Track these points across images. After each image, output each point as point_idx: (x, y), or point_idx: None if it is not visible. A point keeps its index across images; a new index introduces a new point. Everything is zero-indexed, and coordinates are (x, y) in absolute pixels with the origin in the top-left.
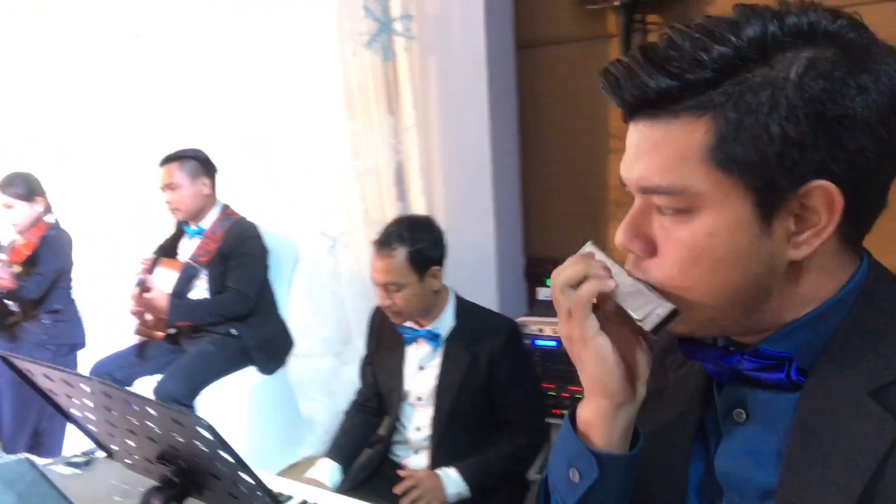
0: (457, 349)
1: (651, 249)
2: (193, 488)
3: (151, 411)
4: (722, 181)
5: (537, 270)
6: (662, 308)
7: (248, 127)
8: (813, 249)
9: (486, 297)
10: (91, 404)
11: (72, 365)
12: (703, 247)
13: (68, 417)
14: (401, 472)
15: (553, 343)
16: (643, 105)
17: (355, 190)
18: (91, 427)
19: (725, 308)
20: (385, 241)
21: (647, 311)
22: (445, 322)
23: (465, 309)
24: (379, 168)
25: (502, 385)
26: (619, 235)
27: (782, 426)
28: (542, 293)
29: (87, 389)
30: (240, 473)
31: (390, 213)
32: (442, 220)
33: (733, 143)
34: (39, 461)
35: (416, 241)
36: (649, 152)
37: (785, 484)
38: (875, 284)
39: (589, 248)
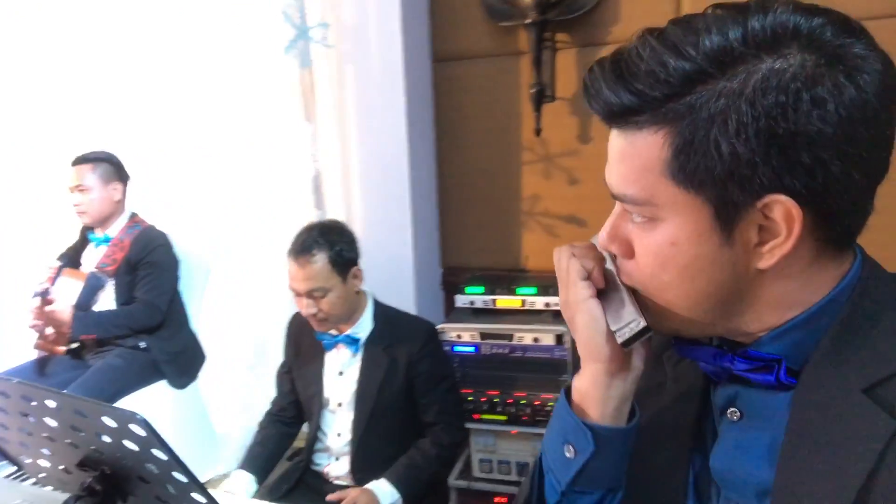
0: (376, 352)
1: (629, 251)
2: (117, 495)
3: (81, 410)
4: (680, 194)
5: (454, 279)
6: (636, 323)
7: (160, 132)
8: (776, 260)
9: (405, 305)
10: (4, 411)
11: None
12: (667, 255)
13: None
14: (331, 497)
15: (471, 349)
16: (611, 116)
17: (270, 198)
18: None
19: (699, 311)
20: (303, 248)
21: (623, 323)
22: (364, 326)
23: (383, 312)
24: (295, 177)
25: (422, 386)
26: (602, 236)
27: (776, 424)
28: (461, 300)
29: (6, 393)
30: (173, 473)
31: (307, 222)
32: (360, 230)
33: (687, 158)
34: None
35: (334, 244)
36: (618, 161)
37: (781, 482)
38: (867, 283)
39: (595, 241)
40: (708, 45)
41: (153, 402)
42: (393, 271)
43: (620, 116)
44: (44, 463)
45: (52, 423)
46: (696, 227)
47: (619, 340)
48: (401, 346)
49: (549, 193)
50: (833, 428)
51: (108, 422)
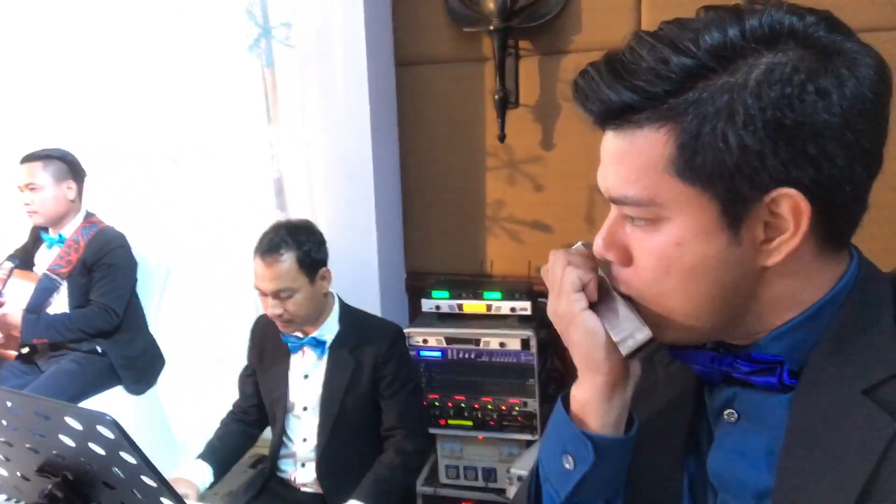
0: (342, 355)
1: (627, 258)
2: (80, 502)
3: (43, 411)
4: (686, 191)
5: (418, 284)
6: (641, 333)
7: (119, 129)
8: (783, 257)
9: (370, 309)
10: None
11: None
12: (672, 256)
13: None
14: None
15: (437, 354)
16: (608, 116)
17: (232, 200)
18: None
19: (702, 316)
20: (270, 248)
21: (626, 334)
22: (330, 328)
23: (350, 314)
24: (257, 178)
25: (387, 389)
26: (597, 243)
27: (774, 426)
28: (427, 304)
29: None
30: (141, 477)
31: (269, 224)
32: (324, 234)
33: (693, 153)
34: None
35: (302, 244)
36: (616, 163)
37: (780, 485)
38: (864, 283)
39: (581, 247)
40: (708, 41)
41: (110, 409)
42: (357, 275)
43: (619, 116)
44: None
45: (8, 425)
46: (702, 224)
47: (625, 352)
48: (367, 349)
49: (513, 199)
50: (834, 429)
51: (73, 423)
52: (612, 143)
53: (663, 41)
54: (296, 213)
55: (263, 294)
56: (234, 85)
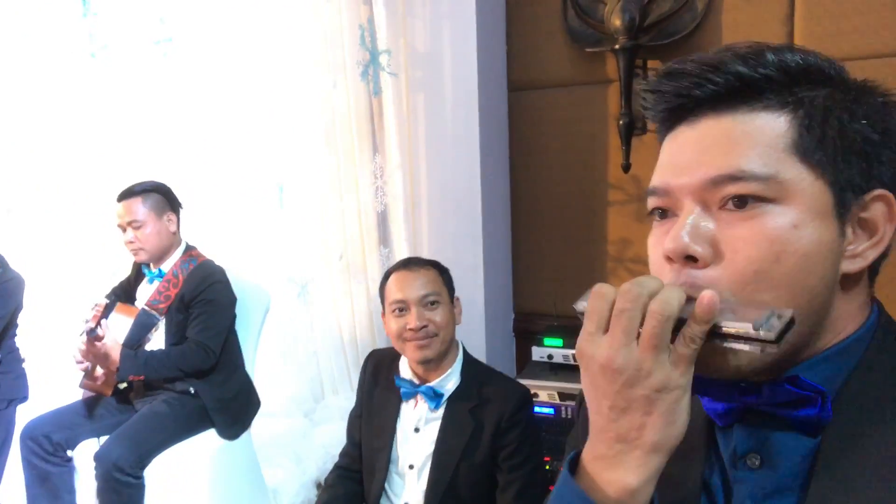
0: (460, 413)
1: (714, 254)
2: None
3: None
4: (805, 174)
5: (527, 326)
6: (782, 313)
7: (212, 160)
8: (868, 263)
9: (473, 353)
10: None
11: (9, 421)
12: (787, 240)
13: None
14: None
15: (549, 410)
16: (725, 97)
17: (334, 233)
18: None
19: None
20: (413, 260)
21: (762, 320)
22: (451, 379)
23: (473, 367)
24: (360, 210)
25: (506, 461)
26: (680, 239)
27: (800, 469)
28: (537, 353)
29: None
30: None
31: (371, 258)
32: None
33: (815, 138)
34: None
35: (440, 266)
36: (726, 144)
37: None
38: (888, 326)
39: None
40: (810, 57)
41: (200, 452)
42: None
43: (740, 95)
44: None
45: None
46: (819, 209)
47: (772, 336)
48: (489, 410)
49: (640, 238)
50: (866, 474)
51: None
52: (716, 126)
53: (802, 50)
54: (399, 247)
55: (404, 309)
56: (337, 112)
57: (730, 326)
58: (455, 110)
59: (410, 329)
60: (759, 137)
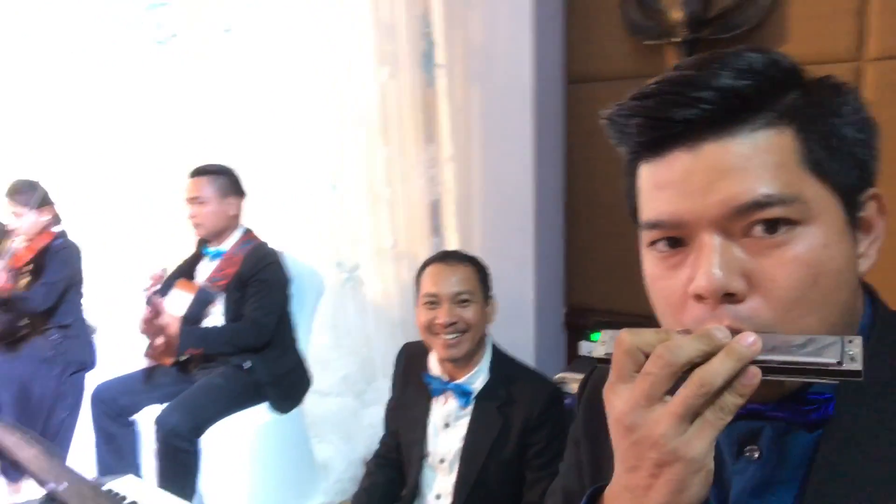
0: (488, 410)
1: (748, 286)
2: None
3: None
4: (819, 187)
5: (579, 321)
6: (851, 339)
7: (271, 146)
8: (873, 262)
9: (523, 347)
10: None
11: (80, 385)
12: (821, 261)
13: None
14: None
15: None
16: (714, 119)
17: (385, 221)
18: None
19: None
20: (450, 254)
21: (834, 351)
22: (479, 376)
23: (502, 363)
24: (413, 199)
25: (535, 458)
26: (715, 276)
27: (799, 465)
28: (585, 348)
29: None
30: None
31: (423, 247)
32: None
33: (820, 148)
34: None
35: (477, 262)
36: (742, 168)
37: None
38: (887, 318)
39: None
40: (779, 58)
41: (254, 424)
42: (511, 309)
43: (737, 113)
44: None
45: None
46: (837, 224)
47: (857, 366)
48: (517, 407)
49: None
50: (867, 468)
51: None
52: (723, 150)
53: (758, 49)
54: (450, 238)
55: (435, 302)
56: (391, 103)
57: (803, 362)
58: (508, 102)
59: (439, 323)
60: (773, 157)
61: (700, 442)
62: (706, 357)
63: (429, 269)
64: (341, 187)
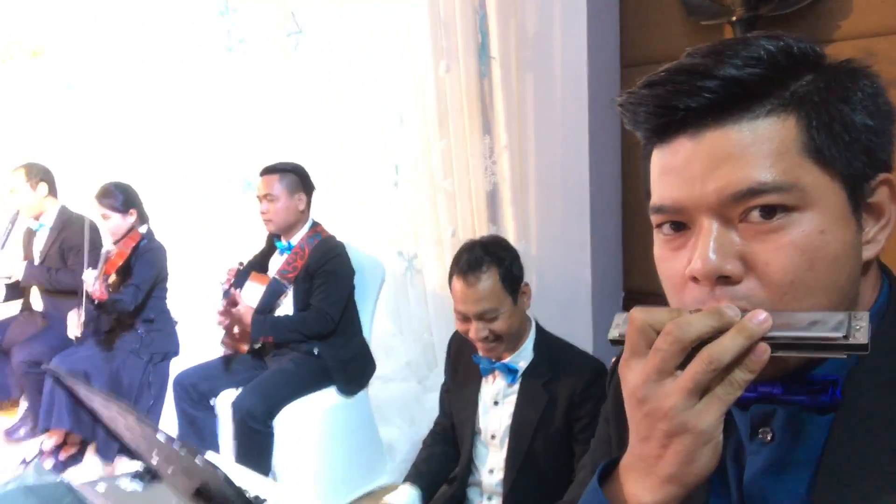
0: (534, 388)
1: (744, 269)
2: None
3: (174, 447)
4: (820, 175)
5: (636, 305)
6: (858, 315)
7: (335, 143)
8: (881, 248)
9: (581, 332)
10: (132, 428)
11: (164, 373)
12: (817, 246)
13: (117, 438)
14: None
15: None
16: (716, 107)
17: (445, 211)
18: (138, 449)
19: None
20: (471, 266)
21: (840, 326)
22: (524, 355)
23: (546, 342)
24: (471, 189)
25: (581, 433)
26: (709, 260)
27: (812, 446)
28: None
29: (119, 415)
30: None
31: (481, 236)
32: (534, 248)
33: (822, 135)
34: (107, 468)
35: (502, 260)
36: (741, 156)
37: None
38: None
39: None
40: (803, 43)
41: (323, 407)
42: (568, 294)
43: (740, 101)
44: (173, 480)
45: (164, 450)
46: (837, 209)
47: (865, 339)
48: (562, 384)
49: None
50: (879, 452)
51: (195, 465)
52: (724, 137)
53: (774, 35)
54: (507, 226)
55: (465, 318)
56: (448, 96)
57: (811, 337)
58: (564, 88)
59: (472, 337)
60: (772, 145)
61: (709, 415)
62: (715, 333)
63: (454, 282)
64: (402, 180)
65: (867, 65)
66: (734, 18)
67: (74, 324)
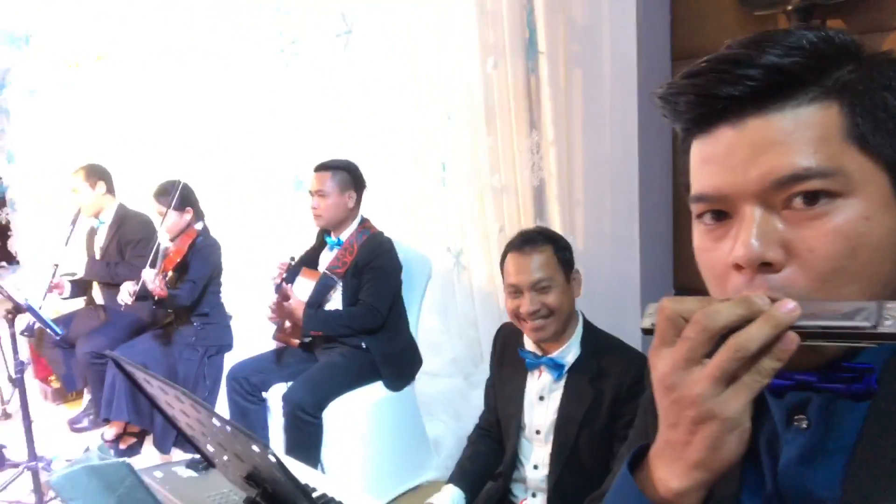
0: (580, 383)
1: (786, 257)
2: None
3: (228, 430)
4: (864, 161)
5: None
6: (887, 304)
7: (383, 141)
8: None
9: (629, 329)
10: (188, 413)
11: (218, 366)
12: (861, 233)
13: (173, 424)
14: None
15: None
16: (759, 96)
17: (492, 207)
18: (193, 435)
19: None
20: (527, 240)
21: (870, 315)
22: (571, 350)
23: (593, 337)
24: (518, 185)
25: (624, 429)
26: (751, 246)
27: (849, 434)
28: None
29: (176, 400)
30: None
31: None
32: (581, 243)
33: (866, 121)
34: (164, 459)
35: (557, 240)
36: (784, 142)
37: (850, 493)
38: None
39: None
40: (833, 35)
41: (370, 401)
42: (616, 290)
43: (782, 89)
44: (226, 465)
45: (219, 434)
46: (881, 196)
47: (893, 329)
48: (608, 380)
49: None
50: None
51: (249, 448)
52: (766, 125)
53: (813, 26)
54: (554, 221)
55: (518, 291)
56: (495, 93)
57: (840, 326)
58: (613, 83)
59: (523, 311)
60: (815, 132)
61: (736, 402)
62: (744, 322)
63: (509, 258)
64: (450, 177)
65: None
66: (790, 7)
67: (127, 292)
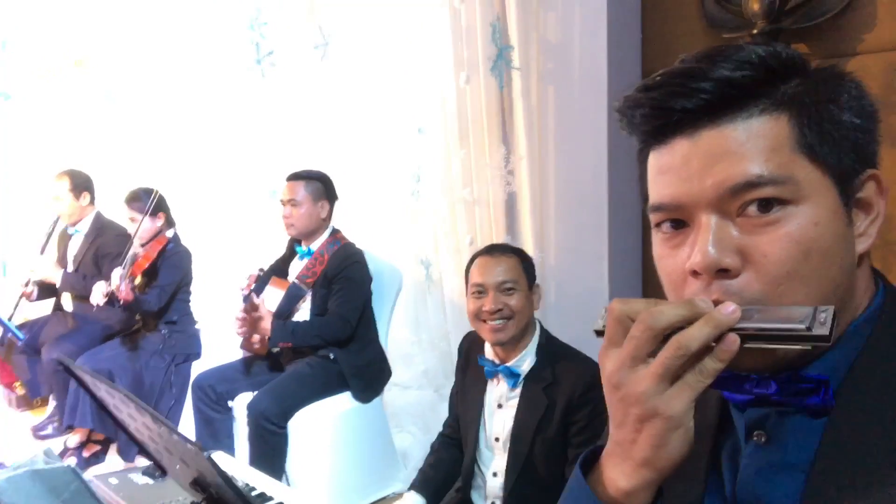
0: (534, 391)
1: (742, 262)
2: None
3: (172, 436)
4: (812, 170)
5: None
6: (824, 308)
7: (357, 152)
8: (872, 241)
9: (597, 344)
10: (135, 417)
11: (186, 374)
12: (811, 238)
13: (122, 428)
14: None
15: None
16: (712, 108)
17: (464, 220)
18: (143, 440)
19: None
20: (496, 247)
21: (809, 318)
22: (527, 359)
23: (550, 345)
24: (489, 198)
25: (576, 436)
26: (709, 253)
27: (805, 449)
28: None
29: (122, 404)
30: None
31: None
32: (551, 258)
33: (813, 132)
34: (121, 465)
35: (522, 254)
36: (737, 152)
37: None
38: (894, 305)
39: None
40: (781, 50)
41: (337, 411)
42: (586, 304)
43: (734, 102)
44: (175, 470)
45: (165, 439)
46: (829, 204)
47: (825, 330)
48: (561, 387)
49: None
50: (869, 454)
51: (190, 454)
52: (720, 136)
53: (762, 42)
54: (525, 235)
55: (482, 291)
56: (468, 106)
57: (777, 328)
58: (583, 100)
59: (486, 310)
60: (766, 142)
61: (678, 401)
62: (687, 323)
63: (476, 262)
64: (422, 189)
65: (850, 72)
66: (755, 31)
67: (101, 293)
